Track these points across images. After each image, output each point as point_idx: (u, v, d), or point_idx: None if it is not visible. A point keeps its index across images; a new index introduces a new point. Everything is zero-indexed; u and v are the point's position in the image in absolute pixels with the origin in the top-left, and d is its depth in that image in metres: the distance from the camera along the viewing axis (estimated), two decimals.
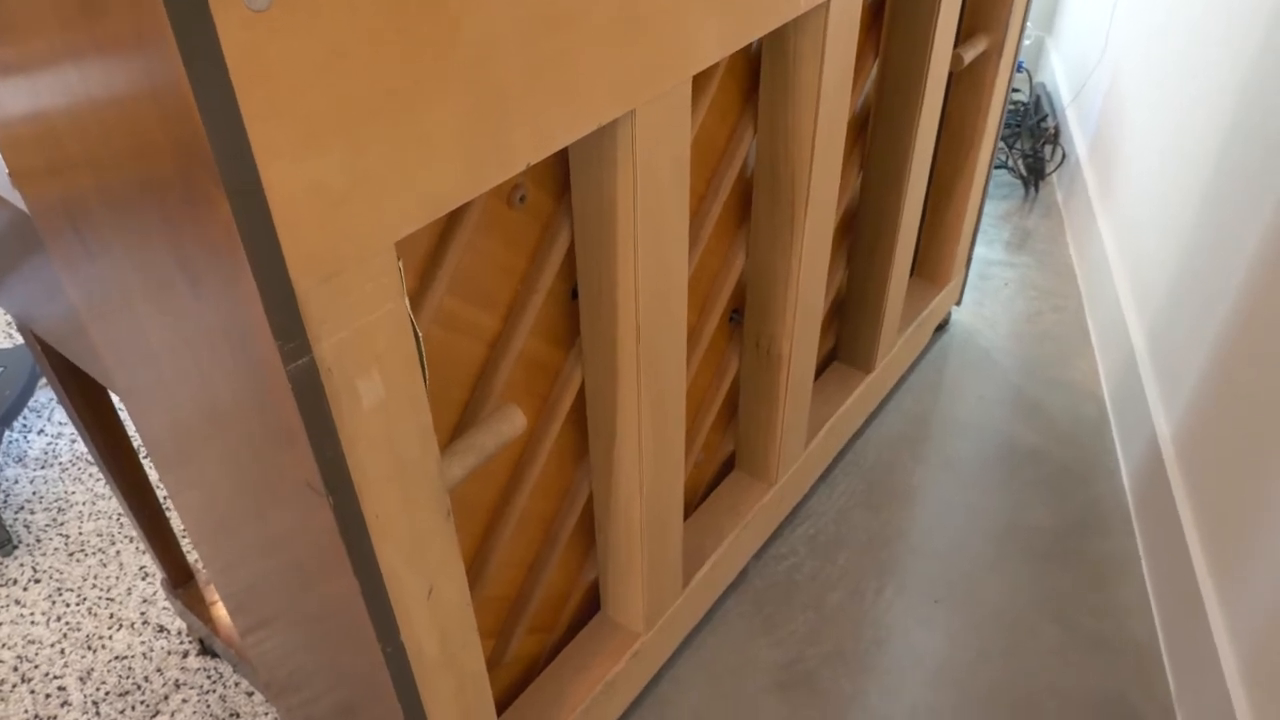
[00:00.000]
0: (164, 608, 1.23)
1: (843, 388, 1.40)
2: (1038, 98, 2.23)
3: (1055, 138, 2.10)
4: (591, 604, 1.09)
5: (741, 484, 1.25)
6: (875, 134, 1.25)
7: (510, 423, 0.71)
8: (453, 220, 0.68)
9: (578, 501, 0.97)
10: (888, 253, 1.32)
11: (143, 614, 1.22)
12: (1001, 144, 2.13)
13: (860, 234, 1.33)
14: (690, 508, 1.22)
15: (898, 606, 1.23)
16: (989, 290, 1.79)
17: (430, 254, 0.67)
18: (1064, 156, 2.07)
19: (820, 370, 1.44)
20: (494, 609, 0.93)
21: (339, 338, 0.51)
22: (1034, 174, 2.06)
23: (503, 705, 1.01)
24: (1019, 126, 2.17)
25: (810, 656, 1.17)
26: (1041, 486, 1.39)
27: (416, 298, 0.68)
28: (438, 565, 0.67)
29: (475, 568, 0.87)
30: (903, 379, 1.59)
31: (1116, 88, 1.80)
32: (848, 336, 1.43)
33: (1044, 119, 2.13)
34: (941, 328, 1.70)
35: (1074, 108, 2.09)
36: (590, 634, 1.06)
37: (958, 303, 1.69)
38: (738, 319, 1.13)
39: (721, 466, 1.27)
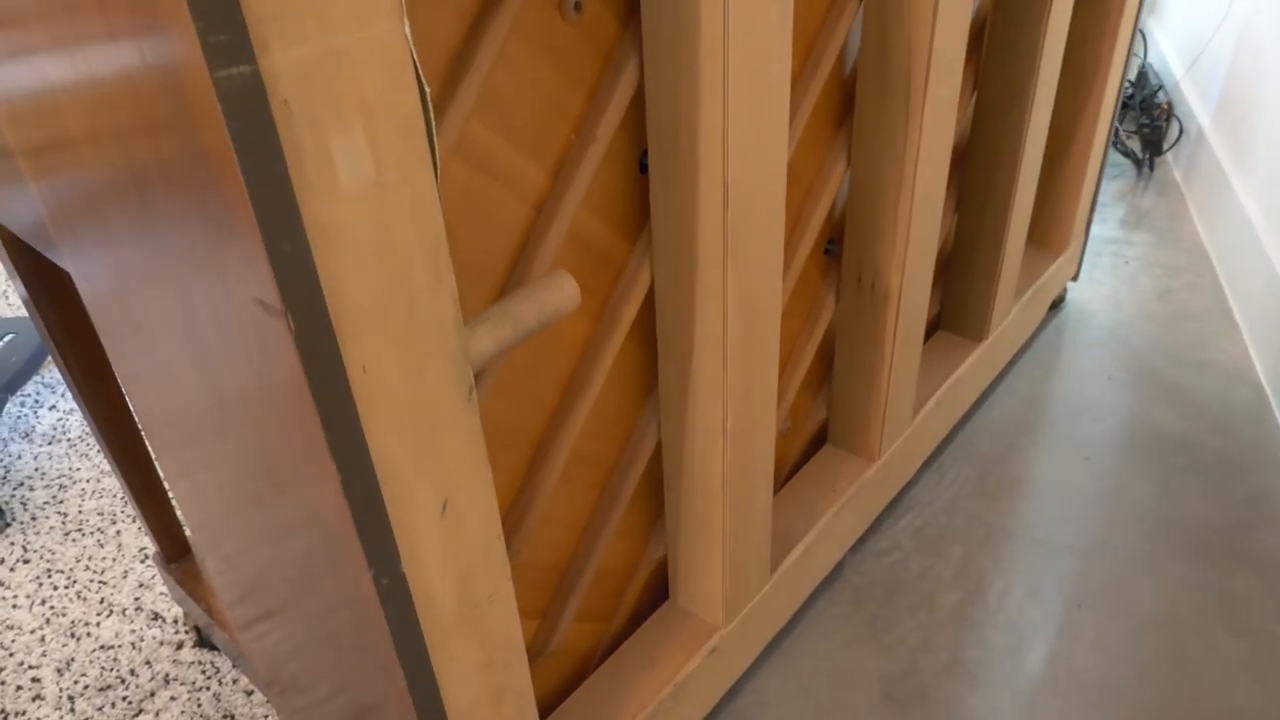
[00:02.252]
0: (161, 593, 1.07)
1: (951, 357, 1.19)
2: (1142, 73, 2.02)
3: (1169, 114, 1.89)
4: (657, 592, 0.90)
5: (836, 458, 1.05)
6: (991, 50, 1.06)
7: (559, 291, 0.53)
8: (487, 9, 0.51)
9: (643, 449, 0.78)
10: (1004, 198, 1.13)
11: (136, 599, 1.06)
12: None
13: (972, 174, 1.14)
14: (775, 486, 1.02)
15: (1030, 611, 1.00)
16: (1106, 268, 1.57)
17: (455, 52, 0.51)
18: (1181, 131, 1.85)
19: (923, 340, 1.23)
20: (537, 580, 0.74)
21: (300, 53, 0.34)
22: (1150, 149, 1.84)
23: (547, 709, 0.81)
24: (1128, 103, 1.96)
25: (925, 667, 0.95)
26: (1196, 476, 1.16)
27: (437, 111, 0.51)
28: (456, 468, 0.48)
29: (513, 518, 0.69)
30: (1012, 361, 1.37)
31: (1246, 50, 1.59)
32: (955, 300, 1.22)
33: (1157, 91, 1.92)
34: (1056, 305, 1.48)
35: (1189, 79, 1.88)
36: (657, 624, 0.86)
37: (1074, 277, 1.47)
38: (834, 250, 0.95)
39: (810, 443, 1.07)
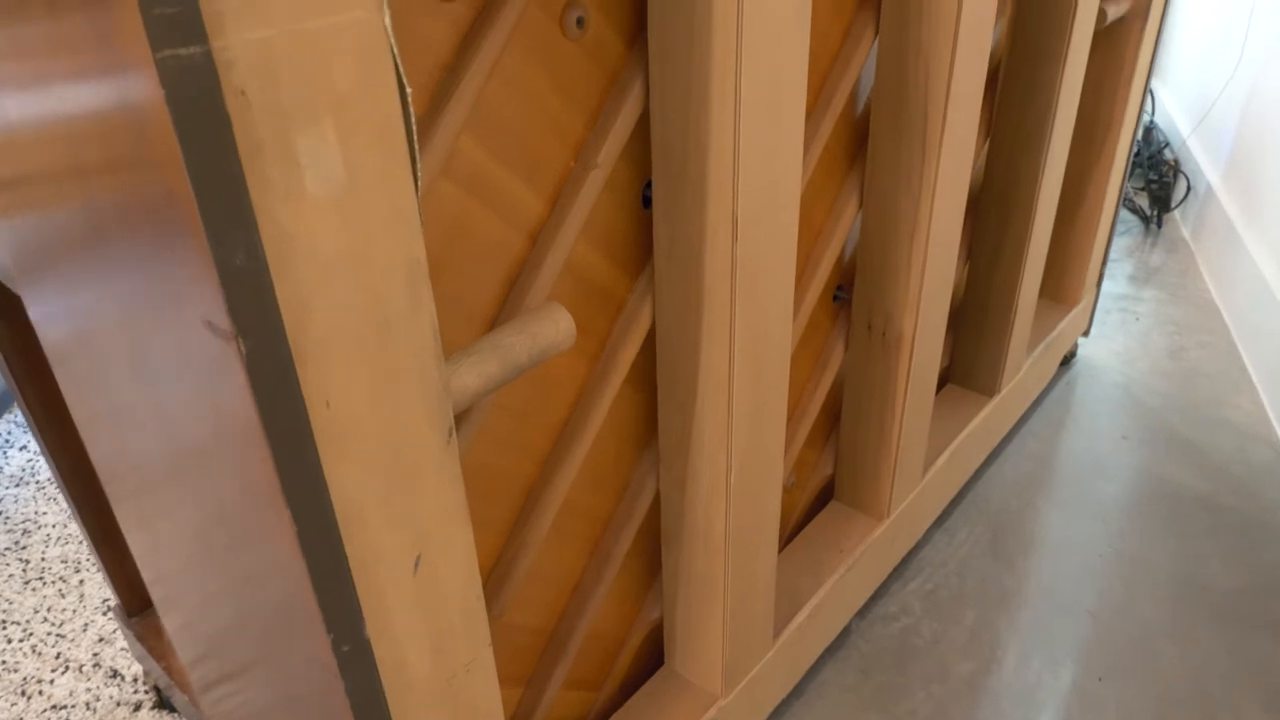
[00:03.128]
0: (121, 649, 1.00)
1: (961, 412, 1.15)
2: (1149, 130, 2.01)
3: (1176, 171, 1.87)
4: (652, 657, 0.83)
5: (842, 516, 0.99)
6: (1005, 94, 1.03)
7: (554, 325, 0.49)
8: (482, 19, 0.47)
9: (640, 502, 0.72)
10: (1018, 248, 1.09)
11: (95, 655, 0.99)
12: None
13: (984, 223, 1.11)
14: (779, 545, 0.97)
15: (1049, 682, 0.94)
16: (1116, 325, 1.53)
17: (446, 64, 0.47)
18: (1189, 189, 1.83)
19: None
20: (523, 644, 0.68)
21: (262, 35, 0.30)
22: (1158, 206, 1.82)
23: None
24: (1135, 160, 1.94)
25: None
26: (1219, 540, 1.10)
27: (424, 125, 0.47)
28: (432, 519, 0.43)
29: (497, 576, 0.63)
30: (1024, 417, 1.32)
31: (1255, 108, 1.57)
32: (965, 353, 1.18)
33: (1163, 149, 1.91)
34: (1066, 361, 1.44)
35: (1196, 137, 1.87)
36: (651, 693, 0.80)
37: (1085, 332, 1.43)
38: (843, 297, 0.90)
39: (815, 499, 1.01)
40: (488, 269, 0.53)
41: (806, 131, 0.75)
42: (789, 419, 0.91)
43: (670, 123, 0.56)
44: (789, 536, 0.98)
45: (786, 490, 0.95)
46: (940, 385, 1.20)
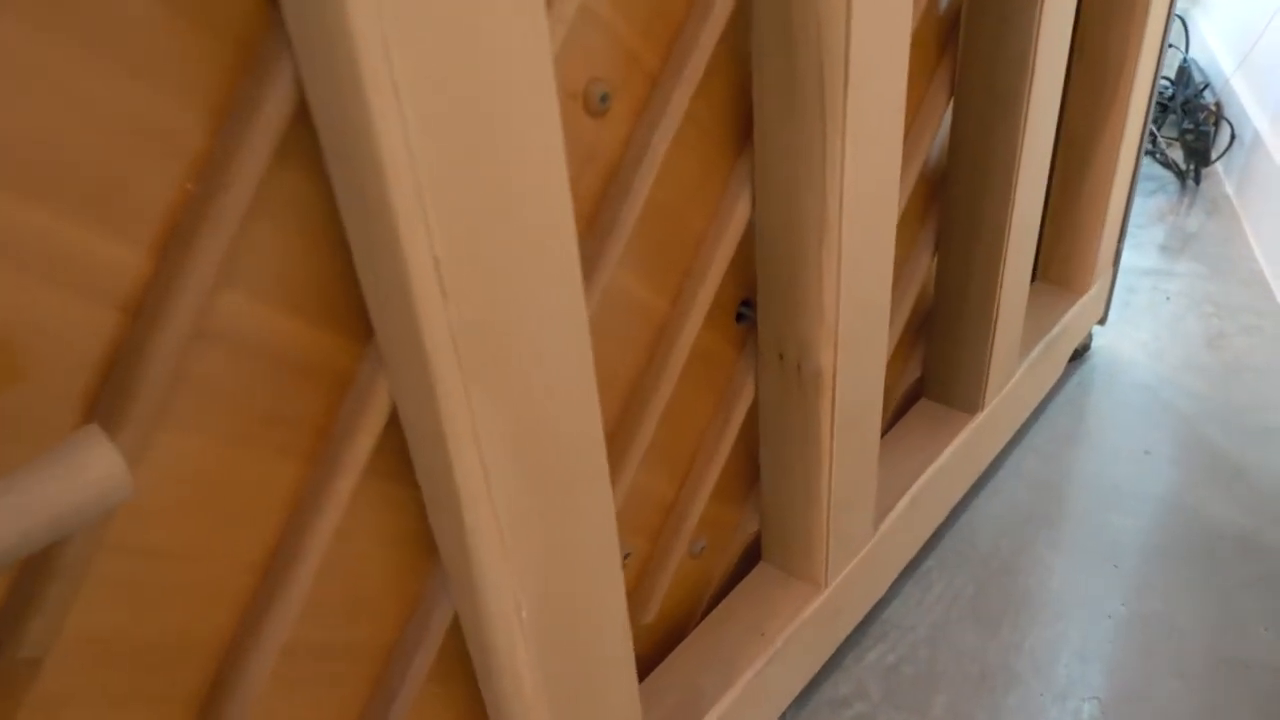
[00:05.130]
0: None
1: (934, 437, 0.93)
2: (1184, 70, 1.74)
3: (1218, 117, 1.61)
4: None
5: (770, 583, 0.79)
6: (970, 39, 0.81)
7: (72, 475, 0.29)
8: None
9: (436, 619, 0.54)
10: (996, 233, 0.87)
11: None
12: None
13: (953, 205, 0.89)
14: (689, 625, 0.77)
15: None
16: (1142, 306, 1.29)
17: None
18: (1233, 138, 1.57)
19: (900, 411, 0.98)
20: None
21: None
22: (1195, 159, 1.56)
23: None
24: (1167, 104, 1.68)
25: None
26: (1265, 595, 0.88)
27: None
28: None
29: None
30: (1020, 433, 1.11)
31: None
32: (938, 362, 0.97)
33: (1202, 91, 1.64)
34: (1078, 355, 1.21)
35: (1241, 76, 1.60)
36: None
37: (1101, 320, 1.20)
38: (749, 316, 0.70)
39: (741, 559, 0.82)
40: (47, 369, 0.34)
41: (653, 105, 0.54)
42: (686, 474, 0.71)
43: (331, 120, 0.36)
44: (704, 611, 0.79)
45: (694, 556, 0.76)
46: (912, 402, 0.99)
